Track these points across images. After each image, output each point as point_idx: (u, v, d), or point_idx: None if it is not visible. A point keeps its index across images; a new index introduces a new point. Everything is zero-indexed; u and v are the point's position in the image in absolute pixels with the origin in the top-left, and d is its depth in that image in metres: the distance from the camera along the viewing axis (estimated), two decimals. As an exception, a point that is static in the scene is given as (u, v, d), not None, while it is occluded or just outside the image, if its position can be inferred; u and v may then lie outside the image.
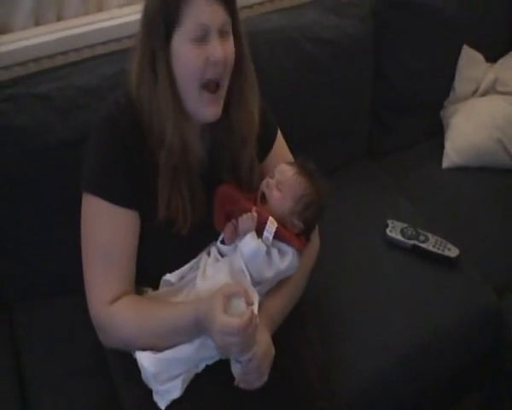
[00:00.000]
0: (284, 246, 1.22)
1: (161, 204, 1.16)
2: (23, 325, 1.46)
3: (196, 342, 1.14)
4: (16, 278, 1.50)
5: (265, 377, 1.13)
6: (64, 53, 1.61)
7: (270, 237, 1.18)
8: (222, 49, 1.11)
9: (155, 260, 1.22)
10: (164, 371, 1.13)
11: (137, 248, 1.20)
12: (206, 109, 1.16)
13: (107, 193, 1.15)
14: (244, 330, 1.02)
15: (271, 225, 1.17)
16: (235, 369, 1.12)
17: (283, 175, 1.26)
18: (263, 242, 1.18)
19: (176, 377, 1.13)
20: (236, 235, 1.20)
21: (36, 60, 1.58)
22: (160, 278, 1.22)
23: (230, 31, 1.15)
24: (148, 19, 1.12)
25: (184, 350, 1.13)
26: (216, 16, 1.10)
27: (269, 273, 1.20)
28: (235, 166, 1.26)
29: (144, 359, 1.13)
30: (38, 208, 1.43)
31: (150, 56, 1.12)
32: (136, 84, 1.15)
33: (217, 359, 1.16)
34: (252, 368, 1.10)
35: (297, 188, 1.25)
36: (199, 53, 1.10)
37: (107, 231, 1.16)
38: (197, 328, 1.10)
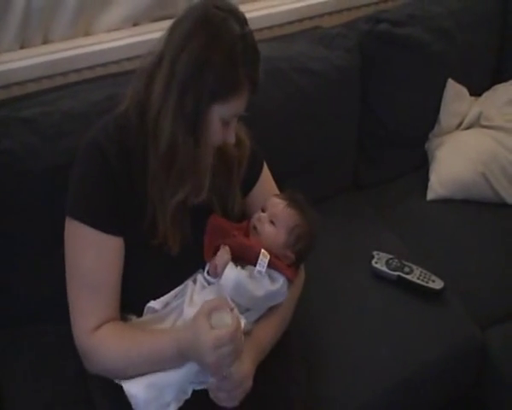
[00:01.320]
0: (275, 273, 1.22)
1: (150, 226, 1.16)
2: (5, 352, 1.43)
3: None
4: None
5: (234, 403, 1.12)
6: (50, 77, 1.59)
7: (263, 271, 1.18)
8: (234, 134, 1.17)
9: (140, 286, 1.21)
10: (154, 396, 1.10)
11: (125, 274, 1.19)
12: (208, 160, 1.19)
13: (92, 219, 1.14)
14: (235, 335, 1.04)
15: (264, 258, 1.17)
16: (210, 378, 1.11)
17: (275, 209, 1.26)
18: (247, 270, 1.18)
19: (166, 405, 1.12)
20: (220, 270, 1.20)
21: (20, 83, 1.56)
22: (144, 306, 1.20)
23: None
24: (196, 80, 1.08)
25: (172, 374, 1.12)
26: (245, 106, 1.15)
27: (259, 292, 1.19)
28: (222, 194, 1.26)
29: (132, 387, 1.11)
30: (22, 234, 1.40)
31: (191, 117, 1.10)
32: (140, 117, 1.15)
33: (205, 385, 1.14)
34: (224, 387, 1.10)
35: (289, 220, 1.25)
36: (222, 131, 1.15)
37: (91, 257, 1.15)
38: (181, 358, 1.10)
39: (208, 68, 1.07)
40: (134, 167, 1.16)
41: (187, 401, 1.15)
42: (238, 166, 1.28)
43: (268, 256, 1.18)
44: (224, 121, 1.13)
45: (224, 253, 1.19)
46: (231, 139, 1.17)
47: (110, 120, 1.19)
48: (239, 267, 1.18)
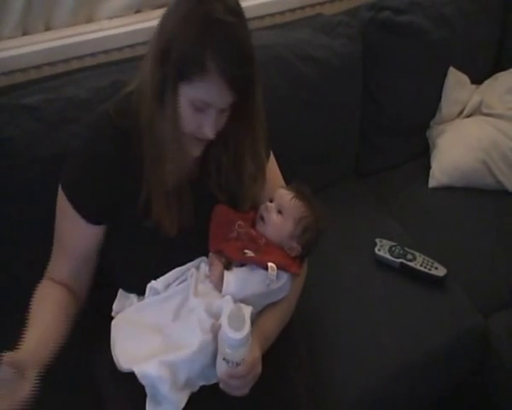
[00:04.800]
0: (280, 272, 1.21)
1: (146, 207, 1.16)
2: (8, 339, 1.41)
3: (197, 342, 1.12)
4: (3, 291, 1.46)
5: (246, 390, 1.12)
6: (52, 64, 1.59)
7: (272, 286, 1.18)
8: (214, 129, 1.12)
9: (138, 266, 1.22)
10: (169, 376, 1.09)
11: (124, 254, 1.23)
12: (193, 149, 1.18)
13: (76, 203, 1.19)
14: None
15: (272, 272, 1.17)
16: (221, 367, 1.10)
17: (282, 199, 1.26)
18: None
19: (180, 387, 1.11)
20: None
21: (23, 70, 1.55)
22: (145, 285, 1.21)
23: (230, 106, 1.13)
24: (164, 51, 1.06)
25: (186, 352, 1.11)
26: (222, 99, 1.09)
27: (262, 288, 1.18)
28: (227, 183, 1.25)
29: (147, 367, 1.10)
30: (26, 221, 1.40)
31: (159, 86, 1.09)
32: (137, 100, 1.15)
33: (213, 381, 1.14)
34: (238, 373, 1.09)
35: (296, 212, 1.25)
36: (194, 118, 1.10)
37: (66, 230, 1.23)
38: None
39: (176, 43, 1.05)
40: (130, 150, 1.16)
41: (194, 397, 1.15)
42: (245, 157, 1.25)
43: (275, 269, 1.17)
44: (196, 107, 1.08)
45: (215, 268, 1.18)
46: (207, 132, 1.12)
47: (111, 104, 1.20)
48: (234, 269, 1.18)
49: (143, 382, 1.11)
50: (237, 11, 1.08)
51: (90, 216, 1.19)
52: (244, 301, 1.16)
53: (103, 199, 1.19)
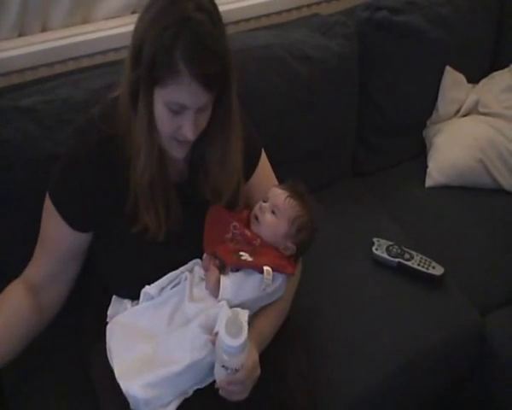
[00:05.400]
0: (275, 275, 1.20)
1: (133, 213, 1.16)
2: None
3: (186, 361, 1.11)
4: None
5: (246, 394, 1.11)
6: (48, 65, 1.59)
7: (268, 289, 1.18)
8: (193, 129, 1.09)
9: (132, 271, 1.22)
10: (154, 397, 1.10)
11: (114, 260, 1.23)
12: (175, 152, 1.16)
13: (62, 210, 1.18)
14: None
15: (268, 276, 1.16)
16: (220, 374, 1.09)
17: (277, 199, 1.26)
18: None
19: (166, 404, 1.11)
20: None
21: (19, 71, 1.55)
22: (139, 291, 1.20)
23: (210, 105, 1.11)
24: (137, 53, 1.05)
25: (173, 370, 1.11)
26: (197, 99, 1.06)
27: (257, 292, 1.18)
28: (215, 183, 1.23)
29: (130, 387, 1.10)
30: (23, 224, 1.39)
31: (133, 88, 1.07)
32: (118, 103, 1.14)
33: (208, 382, 1.15)
34: (237, 379, 1.08)
35: (290, 211, 1.25)
36: (172, 120, 1.08)
37: (50, 233, 1.22)
38: None
39: (146, 45, 1.03)
40: (116, 156, 1.15)
41: (191, 397, 1.15)
42: (229, 156, 1.22)
43: (271, 273, 1.17)
44: (171, 110, 1.06)
45: (211, 274, 1.17)
46: (186, 132, 1.09)
47: (96, 110, 1.19)
48: (230, 274, 1.18)
49: (129, 400, 1.12)
50: (207, 8, 1.05)
51: (76, 224, 1.19)
52: (240, 305, 1.16)
53: (89, 206, 1.18)
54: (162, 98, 1.05)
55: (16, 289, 1.23)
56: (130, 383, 1.11)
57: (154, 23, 1.02)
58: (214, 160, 1.19)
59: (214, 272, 1.17)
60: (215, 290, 1.16)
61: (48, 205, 1.20)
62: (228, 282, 1.16)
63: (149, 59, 1.02)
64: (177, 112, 1.07)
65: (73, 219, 1.19)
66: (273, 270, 1.17)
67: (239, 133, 1.20)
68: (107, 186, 1.16)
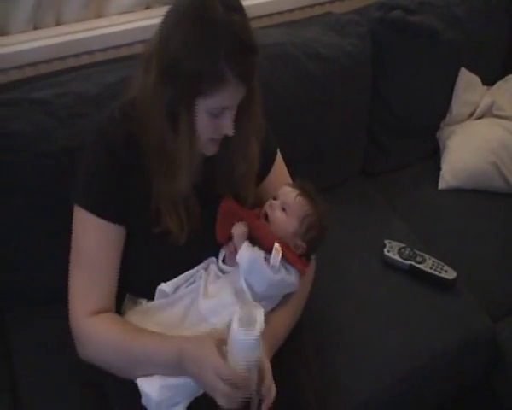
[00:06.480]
0: (288, 265, 1.22)
1: (155, 215, 1.15)
2: (18, 333, 1.43)
3: None
4: (10, 286, 1.46)
5: (235, 404, 1.08)
6: (62, 58, 1.59)
7: (276, 265, 1.17)
8: (232, 126, 1.11)
9: (151, 271, 1.21)
10: (166, 398, 1.10)
11: (134, 260, 1.20)
12: (211, 150, 1.17)
13: (94, 206, 1.15)
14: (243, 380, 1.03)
15: (277, 254, 1.17)
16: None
17: (287, 197, 1.26)
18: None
19: (177, 403, 1.11)
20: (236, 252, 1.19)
21: (33, 64, 1.55)
22: (154, 290, 1.20)
23: None
24: (171, 70, 1.04)
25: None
26: (238, 98, 1.09)
27: (276, 277, 1.18)
28: (232, 180, 1.24)
29: (146, 386, 1.10)
30: (35, 216, 1.39)
31: (170, 107, 1.07)
32: (142, 111, 1.12)
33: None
34: (245, 380, 1.05)
35: (300, 209, 1.25)
36: (212, 123, 1.10)
37: (90, 241, 1.16)
38: (177, 367, 1.08)
39: (186, 61, 1.02)
40: (138, 154, 1.14)
41: (197, 398, 1.14)
42: (247, 154, 1.23)
43: (280, 252, 1.17)
44: (212, 114, 1.08)
45: (241, 225, 1.19)
46: (227, 131, 1.11)
47: (117, 108, 1.18)
48: (256, 247, 1.18)
49: (142, 396, 1.11)
50: (234, 4, 1.05)
51: (111, 213, 1.15)
52: (251, 289, 1.16)
53: (118, 198, 1.16)
54: (205, 107, 1.07)
55: (108, 318, 1.17)
56: (149, 382, 1.10)
57: (188, 38, 1.02)
58: (238, 149, 1.20)
59: (245, 226, 1.19)
60: (238, 238, 1.18)
61: (79, 217, 1.17)
62: (250, 247, 1.17)
63: (193, 74, 1.02)
64: (218, 115, 1.08)
65: (108, 211, 1.15)
66: (283, 255, 1.18)
67: (260, 124, 1.22)
68: (132, 182, 1.16)
